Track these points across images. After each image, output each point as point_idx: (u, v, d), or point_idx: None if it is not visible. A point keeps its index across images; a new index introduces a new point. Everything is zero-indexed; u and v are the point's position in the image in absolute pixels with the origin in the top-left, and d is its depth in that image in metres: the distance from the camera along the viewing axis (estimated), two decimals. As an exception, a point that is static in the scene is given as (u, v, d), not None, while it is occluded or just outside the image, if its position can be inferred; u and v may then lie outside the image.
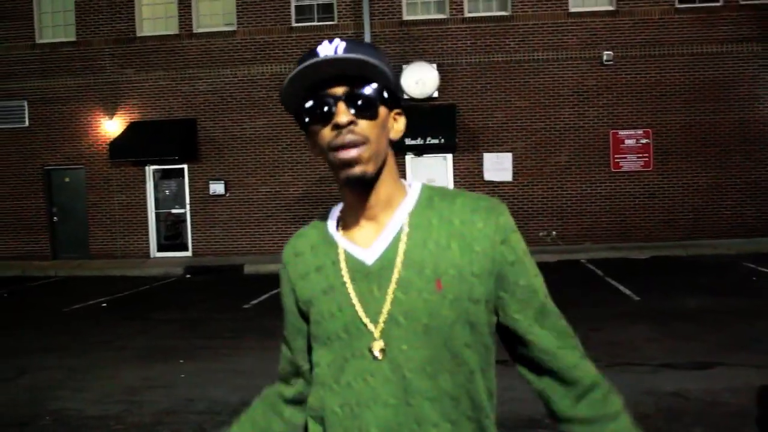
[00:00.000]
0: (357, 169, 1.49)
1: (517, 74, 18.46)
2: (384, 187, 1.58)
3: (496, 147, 18.63)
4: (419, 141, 17.46)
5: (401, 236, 1.56)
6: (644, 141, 18.54)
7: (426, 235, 1.55)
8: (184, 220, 19.95)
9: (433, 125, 17.55)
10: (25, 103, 20.26)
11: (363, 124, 1.50)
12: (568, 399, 1.65)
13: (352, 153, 1.48)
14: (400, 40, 18.77)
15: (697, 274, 13.83)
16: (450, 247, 1.54)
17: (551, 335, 1.61)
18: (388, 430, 1.51)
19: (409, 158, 18.66)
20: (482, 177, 18.43)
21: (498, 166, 18.36)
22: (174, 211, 20.02)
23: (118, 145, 19.25)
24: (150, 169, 19.91)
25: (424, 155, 18.46)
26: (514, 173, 18.48)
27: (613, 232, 18.56)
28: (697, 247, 17.19)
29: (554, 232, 18.57)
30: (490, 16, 18.76)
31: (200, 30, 19.58)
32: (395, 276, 1.53)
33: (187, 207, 19.86)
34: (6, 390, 7.50)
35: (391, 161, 1.60)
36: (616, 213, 18.63)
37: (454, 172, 18.61)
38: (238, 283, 15.42)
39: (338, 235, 1.63)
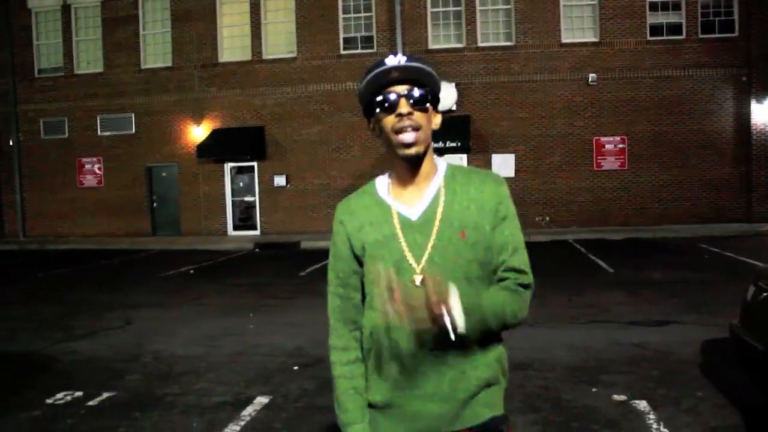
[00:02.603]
0: (413, 150, 1.68)
1: (520, 92, 18.38)
2: (426, 164, 1.75)
3: (502, 149, 18.60)
4: (440, 144, 17.46)
5: (438, 200, 1.73)
6: (621, 146, 18.40)
7: (453, 199, 1.73)
8: (254, 206, 20.11)
9: (451, 132, 17.57)
10: (133, 115, 20.57)
11: (417, 115, 1.68)
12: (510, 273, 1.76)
13: (411, 136, 1.67)
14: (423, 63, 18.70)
15: (662, 252, 13.75)
16: (470, 208, 1.73)
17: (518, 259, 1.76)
18: (418, 339, 1.65)
19: (435, 157, 18.62)
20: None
21: (503, 165, 18.33)
22: (246, 198, 20.16)
23: (203, 147, 19.51)
24: (228, 166, 20.11)
25: (444, 156, 18.48)
26: (516, 170, 18.43)
27: (595, 218, 18.46)
28: (662, 231, 17.05)
29: (548, 218, 18.52)
30: (498, 46, 18.68)
31: (268, 57, 19.71)
32: (435, 228, 1.70)
33: (257, 195, 20.02)
34: (116, 335, 7.70)
35: (431, 145, 1.77)
36: (598, 203, 18.53)
37: (467, 169, 18.53)
38: (295, 256, 15.52)
39: (390, 199, 1.77)
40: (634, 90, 18.24)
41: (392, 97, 1.67)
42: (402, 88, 1.68)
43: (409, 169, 1.74)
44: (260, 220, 20.04)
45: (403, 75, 1.67)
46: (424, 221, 1.71)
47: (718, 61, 17.97)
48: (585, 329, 7.21)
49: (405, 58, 1.68)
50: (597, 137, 18.43)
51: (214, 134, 19.76)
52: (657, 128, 18.21)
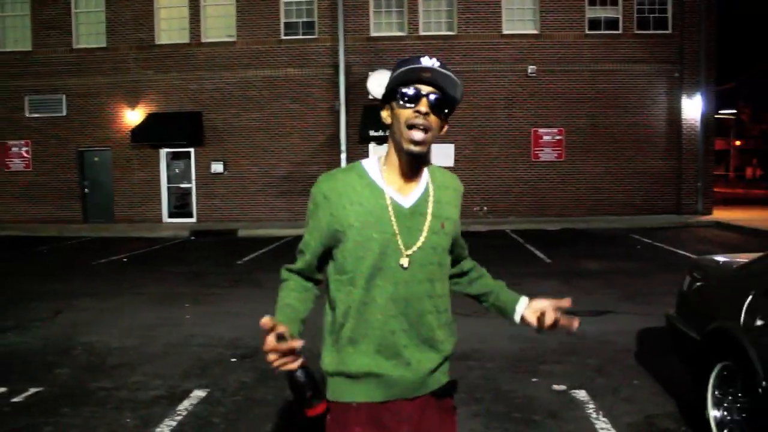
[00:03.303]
0: (419, 148, 1.80)
1: (461, 82, 18.40)
2: (423, 162, 1.91)
3: (442, 138, 18.62)
4: (381, 133, 17.43)
5: (428, 194, 1.92)
6: (558, 138, 18.70)
7: (438, 195, 1.93)
8: (190, 193, 19.76)
9: (392, 121, 17.50)
10: (64, 97, 19.82)
11: (432, 118, 1.80)
12: (466, 268, 2.20)
13: (421, 135, 1.79)
14: (368, 52, 18.65)
15: (596, 243, 14.04)
16: (447, 203, 1.95)
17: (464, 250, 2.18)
18: (397, 316, 1.85)
19: (372, 146, 18.62)
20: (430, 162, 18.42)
21: (442, 154, 18.38)
22: (182, 185, 19.80)
23: (138, 131, 19.01)
24: (163, 152, 19.66)
25: (384, 144, 18.36)
26: (456, 160, 18.53)
27: (532, 208, 18.74)
28: (597, 221, 17.43)
29: (485, 208, 18.70)
30: (439, 35, 18.71)
31: (207, 40, 19.28)
32: (428, 219, 1.89)
33: (193, 182, 19.66)
34: (45, 327, 7.39)
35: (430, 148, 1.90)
36: (535, 194, 18.81)
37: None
38: (233, 244, 15.30)
39: (383, 183, 1.88)
40: (573, 82, 18.54)
41: (417, 93, 1.79)
42: (428, 89, 1.80)
43: (408, 163, 1.87)
44: (196, 207, 19.68)
45: (433, 77, 1.79)
46: (415, 211, 1.88)
47: (653, 56, 18.42)
48: (524, 319, 7.26)
49: (439, 63, 1.80)
50: (535, 129, 18.68)
51: (150, 118, 19.27)
52: (594, 120, 18.58)
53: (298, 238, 2.06)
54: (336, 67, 18.61)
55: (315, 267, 1.99)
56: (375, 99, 17.67)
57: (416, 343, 1.87)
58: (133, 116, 19.48)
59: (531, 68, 18.44)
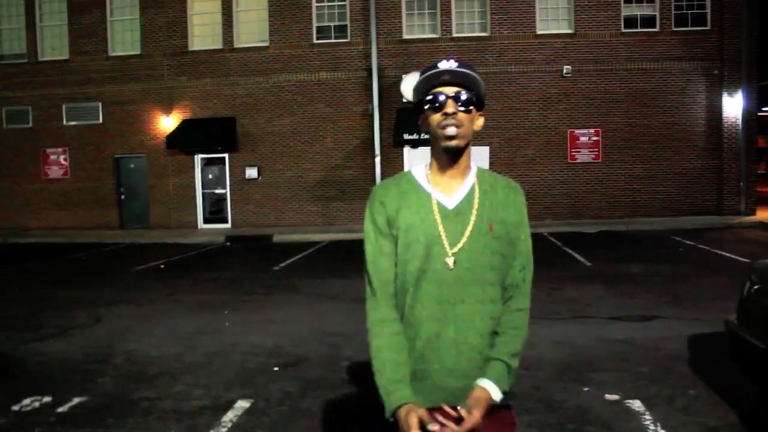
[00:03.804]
0: (454, 142, 1.88)
1: (494, 84, 18.27)
2: (464, 159, 1.96)
3: (477, 142, 18.46)
4: (415, 136, 17.32)
5: (474, 194, 1.95)
6: (595, 138, 18.42)
7: (484, 195, 1.95)
8: (225, 199, 19.79)
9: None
10: (100, 104, 20.04)
11: (461, 115, 1.88)
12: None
13: (452, 130, 1.87)
14: (401, 55, 18.56)
15: (636, 245, 13.78)
16: (497, 206, 1.96)
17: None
18: (446, 318, 1.87)
19: (406, 150, 18.52)
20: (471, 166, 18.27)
21: (477, 157, 18.16)
22: (217, 191, 19.85)
23: (172, 138, 19.11)
24: (198, 158, 19.74)
25: (419, 147, 18.31)
26: (491, 163, 18.34)
27: (569, 210, 18.48)
28: (635, 223, 17.12)
29: (521, 211, 18.44)
30: (472, 36, 18.55)
31: (240, 45, 19.33)
32: (472, 219, 1.91)
33: (228, 188, 19.69)
34: (86, 334, 7.39)
35: (470, 145, 1.96)
36: (572, 195, 18.54)
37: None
38: (268, 250, 15.30)
39: (429, 186, 1.96)
40: (609, 82, 18.25)
41: (441, 98, 1.88)
42: (450, 90, 1.88)
43: (449, 160, 1.93)
44: (231, 212, 19.72)
45: (452, 78, 1.88)
46: (459, 211, 1.92)
47: (691, 54, 18.05)
48: (568, 325, 7.11)
49: (456, 64, 1.89)
50: (571, 129, 18.42)
51: (184, 125, 19.37)
52: (631, 120, 18.25)
53: (333, 243, 2.07)
54: (369, 70, 18.54)
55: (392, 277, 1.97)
56: (408, 102, 17.56)
57: (461, 349, 1.88)
58: (167, 122, 19.60)
59: (566, 68, 18.20)
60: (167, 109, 19.63)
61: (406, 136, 17.48)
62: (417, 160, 18.32)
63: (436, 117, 1.88)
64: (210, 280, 11.00)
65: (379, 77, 18.39)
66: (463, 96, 1.88)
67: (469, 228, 1.90)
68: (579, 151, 18.47)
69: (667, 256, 12.02)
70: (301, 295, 9.29)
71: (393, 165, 18.48)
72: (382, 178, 17.82)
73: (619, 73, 18.22)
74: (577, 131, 18.43)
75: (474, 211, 1.91)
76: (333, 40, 18.98)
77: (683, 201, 18.32)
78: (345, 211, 18.89)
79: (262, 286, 10.32)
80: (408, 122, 17.36)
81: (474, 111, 1.93)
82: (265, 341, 6.75)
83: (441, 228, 1.89)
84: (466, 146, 1.92)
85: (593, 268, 11.01)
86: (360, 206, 17.87)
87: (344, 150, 18.93)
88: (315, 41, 19.02)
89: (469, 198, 1.93)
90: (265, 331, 7.24)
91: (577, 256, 12.33)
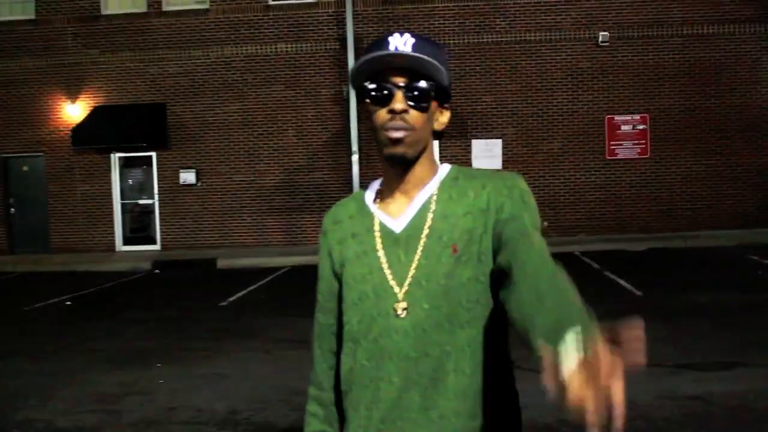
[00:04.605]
0: (399, 149, 1.78)
1: (508, 56, 18.30)
2: (419, 168, 1.87)
3: (486, 133, 18.51)
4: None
5: (428, 208, 1.85)
6: (641, 127, 18.51)
7: (445, 207, 1.85)
8: (152, 212, 19.73)
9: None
10: (-21, 86, 19.94)
11: (414, 114, 1.78)
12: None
13: (399, 133, 1.77)
14: (384, 20, 18.57)
15: (699, 267, 13.83)
16: (464, 216, 1.82)
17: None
18: (408, 379, 1.77)
19: (393, 145, 18.47)
20: (471, 165, 18.29)
21: (487, 153, 18.24)
22: (141, 201, 19.82)
23: (81, 131, 18.99)
24: (115, 157, 19.66)
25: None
26: (504, 161, 18.37)
27: (609, 222, 18.53)
28: (696, 238, 17.19)
29: (546, 223, 18.47)
30: (478, -6, 18.64)
31: (170, 8, 19.32)
32: (421, 244, 1.82)
33: (155, 197, 19.65)
34: (-33, 398, 7.25)
35: (430, 147, 1.89)
36: (612, 203, 18.60)
37: (440, 159, 18.36)
38: (212, 278, 15.25)
39: (374, 207, 1.92)
40: (658, 53, 18.38)
41: (387, 87, 1.78)
42: (401, 80, 1.78)
43: (396, 173, 1.87)
44: (161, 230, 19.67)
45: (405, 63, 1.76)
46: (409, 234, 1.84)
47: (767, 14, 18.22)
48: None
49: (413, 41, 1.76)
50: (610, 116, 18.51)
51: (96, 113, 19.29)
52: (688, 103, 18.38)
53: (298, 270, 1.99)
54: (343, 40, 18.55)
55: (335, 330, 2.02)
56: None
57: (431, 416, 1.79)
58: (73, 111, 19.51)
59: (602, 35, 18.29)
60: (73, 93, 19.54)
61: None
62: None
63: (381, 114, 1.80)
64: (135, 322, 10.90)
65: (357, 50, 18.36)
66: (420, 86, 1.78)
67: (417, 256, 1.82)
68: (620, 145, 18.54)
69: (742, 281, 12.01)
70: (259, 340, 9.24)
71: (375, 166, 18.43)
72: (361, 184, 17.78)
73: (673, 42, 18.34)
74: (617, 118, 18.51)
75: (425, 230, 1.83)
76: (294, 1, 18.99)
77: (759, 207, 18.42)
78: (313, 226, 18.80)
79: (206, 328, 10.24)
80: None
81: (434, 106, 1.84)
82: (215, 404, 6.68)
83: (384, 261, 1.84)
84: (421, 154, 1.84)
85: (645, 298, 11.01)
86: (333, 220, 17.79)
87: (311, 146, 18.89)
88: (271, 2, 19.03)
89: (422, 214, 1.85)
90: (213, 390, 7.16)
91: (621, 282, 12.32)
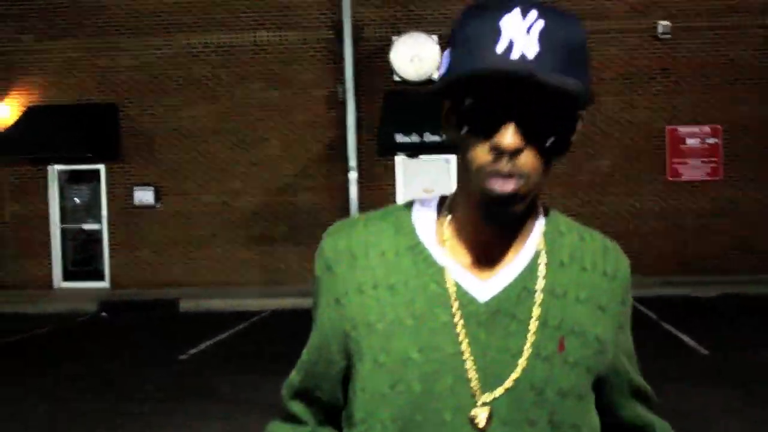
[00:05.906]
0: (507, 209, 1.44)
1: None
2: (526, 222, 1.56)
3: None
4: (414, 138, 17.27)
5: (536, 275, 1.55)
6: (711, 141, 18.55)
7: (556, 279, 1.56)
8: (100, 240, 19.85)
9: (432, 117, 17.36)
10: None
11: (530, 155, 1.39)
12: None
13: (510, 186, 1.39)
14: (391, 4, 18.69)
15: (786, 318, 13.83)
16: (578, 299, 1.57)
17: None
18: None
19: (401, 159, 18.56)
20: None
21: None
22: (86, 227, 19.92)
23: (10, 137, 19.08)
24: (54, 170, 19.79)
25: (421, 156, 18.32)
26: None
27: (670, 260, 18.53)
28: (781, 282, 17.19)
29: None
30: (509, -26, 18.72)
31: (124, -14, 19.46)
32: (531, 328, 1.52)
33: (104, 221, 19.76)
34: None
35: (541, 186, 1.49)
36: (674, 236, 18.63)
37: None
38: (172, 324, 15.28)
39: (444, 252, 1.56)
40: (733, 48, 18.46)
41: (494, 112, 1.36)
42: (515, 99, 1.35)
43: (490, 227, 1.52)
44: (111, 262, 19.76)
45: (527, 68, 1.33)
46: (500, 309, 1.52)
47: None
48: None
49: (541, 27, 1.35)
50: (672, 127, 18.59)
51: (30, 115, 19.38)
52: (770, 113, 18.46)
53: (280, 314, 1.87)
54: (338, 29, 18.67)
55: (324, 414, 1.77)
56: (405, 81, 17.63)
57: None
58: (0, 111, 19.63)
59: (662, 25, 18.37)
60: (0, 90, 19.69)
61: (401, 138, 17.46)
62: (420, 179, 18.34)
63: (481, 151, 1.41)
64: (72, 378, 10.90)
65: (355, 41, 18.46)
66: (546, 116, 1.39)
67: (527, 347, 1.51)
68: (685, 163, 18.58)
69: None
70: (222, 403, 9.26)
71: (378, 185, 18.51)
72: (360, 208, 17.81)
73: (750, 34, 18.43)
74: (681, 129, 18.57)
75: (535, 312, 1.52)
76: (281, -23, 19.15)
77: None
78: (299, 260, 18.80)
79: (158, 388, 10.24)
80: (402, 113, 17.37)
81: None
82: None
83: (465, 344, 1.51)
84: (534, 201, 1.53)
85: (712, 357, 11.02)
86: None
87: (299, 160, 18.95)
88: (250, -21, 19.17)
89: (523, 282, 1.54)
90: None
91: (684, 338, 12.34)
